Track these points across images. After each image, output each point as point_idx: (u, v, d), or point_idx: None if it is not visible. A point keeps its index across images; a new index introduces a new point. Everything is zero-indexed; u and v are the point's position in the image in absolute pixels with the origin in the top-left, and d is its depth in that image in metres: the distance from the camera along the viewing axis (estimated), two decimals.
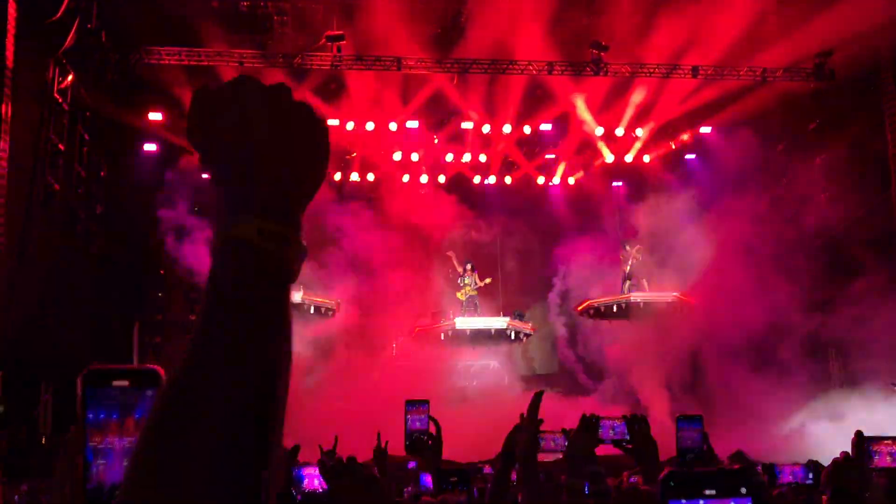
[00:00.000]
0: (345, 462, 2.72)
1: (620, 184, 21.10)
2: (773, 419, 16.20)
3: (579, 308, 19.31)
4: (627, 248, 19.30)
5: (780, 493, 4.46)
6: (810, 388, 16.59)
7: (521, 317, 19.24)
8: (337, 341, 19.23)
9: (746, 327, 17.53)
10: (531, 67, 17.10)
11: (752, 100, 18.00)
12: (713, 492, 2.19)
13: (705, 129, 19.70)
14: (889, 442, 4.32)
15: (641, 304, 18.42)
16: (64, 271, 15.97)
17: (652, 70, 17.32)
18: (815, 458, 6.86)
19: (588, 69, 17.04)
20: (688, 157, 20.53)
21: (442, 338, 18.82)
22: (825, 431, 14.28)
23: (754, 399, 16.81)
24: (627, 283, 19.13)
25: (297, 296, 17.97)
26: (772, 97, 17.97)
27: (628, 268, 19.19)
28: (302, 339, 18.73)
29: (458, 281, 19.58)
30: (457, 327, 18.66)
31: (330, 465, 2.70)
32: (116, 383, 1.83)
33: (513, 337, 19.13)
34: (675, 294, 18.43)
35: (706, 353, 17.98)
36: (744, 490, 2.23)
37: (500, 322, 18.84)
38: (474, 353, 19.84)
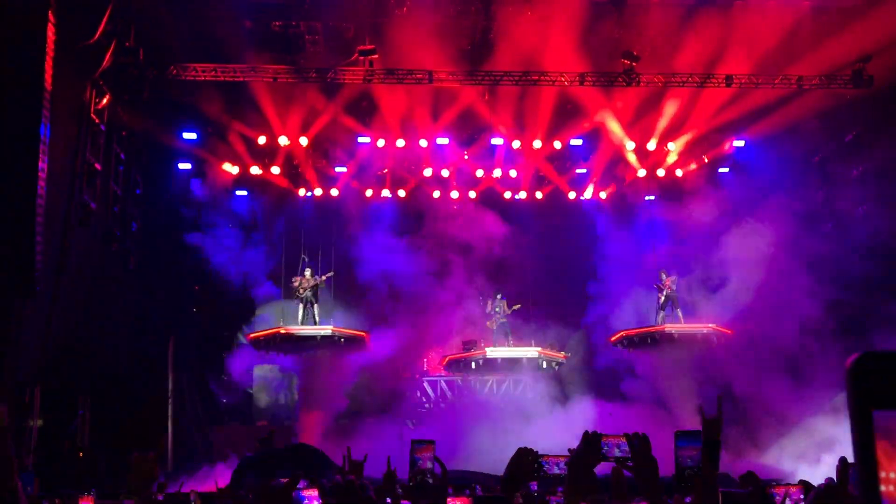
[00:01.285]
0: (343, 485, 2.72)
1: (653, 198, 20.89)
2: (808, 435, 15.85)
3: (613, 339, 18.89)
4: (663, 276, 18.87)
5: None
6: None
7: (553, 346, 18.99)
8: (369, 370, 19.15)
9: (785, 346, 17.25)
10: (562, 79, 17.02)
11: (786, 112, 17.74)
12: None
13: (739, 143, 19.48)
14: None
15: (676, 336, 17.97)
16: (101, 289, 16.27)
17: (685, 79, 17.11)
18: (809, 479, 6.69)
19: (620, 80, 16.92)
20: (721, 170, 20.28)
21: (473, 367, 18.70)
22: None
23: (790, 415, 16.52)
24: (661, 313, 18.69)
25: (327, 329, 18.06)
26: (807, 109, 17.69)
27: (663, 297, 18.76)
28: (336, 370, 18.69)
29: (487, 310, 19.37)
30: (487, 356, 18.49)
31: (329, 486, 2.70)
32: None
33: (544, 366, 18.84)
34: (710, 325, 18.01)
35: (743, 375, 17.60)
36: None
37: (531, 352, 18.63)
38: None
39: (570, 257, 20.98)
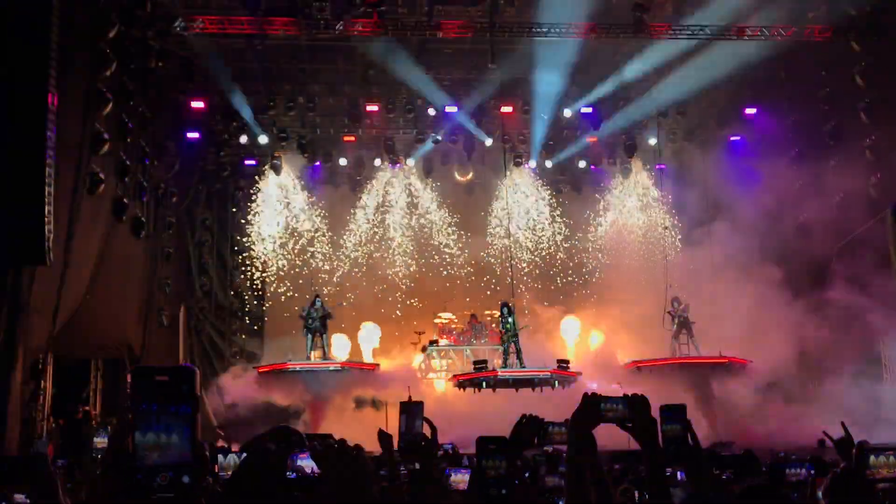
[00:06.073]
0: (335, 444, 2.75)
1: (664, 167, 20.81)
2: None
3: (626, 366, 18.13)
4: (676, 304, 18.27)
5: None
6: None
7: (565, 365, 17.83)
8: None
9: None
10: (572, 29, 16.72)
11: (797, 80, 17.54)
12: None
13: (751, 111, 19.32)
14: (891, 452, 4.18)
15: (691, 368, 17.50)
16: (112, 258, 16.34)
17: (695, 30, 16.76)
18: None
19: (630, 30, 16.55)
20: (733, 138, 20.16)
21: (483, 386, 17.72)
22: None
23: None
24: (675, 342, 18.18)
25: (336, 363, 17.83)
26: (820, 76, 17.50)
27: (676, 324, 18.16)
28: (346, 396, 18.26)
29: (500, 327, 18.46)
30: (499, 377, 17.62)
31: (320, 448, 2.73)
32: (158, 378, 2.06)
33: (556, 385, 17.70)
34: (725, 355, 17.43)
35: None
36: None
37: (543, 372, 17.62)
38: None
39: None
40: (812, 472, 4.60)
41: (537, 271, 21.35)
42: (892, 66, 16.52)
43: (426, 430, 3.20)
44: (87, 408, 15.59)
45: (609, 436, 3.13)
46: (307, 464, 5.02)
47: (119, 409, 12.74)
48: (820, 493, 4.26)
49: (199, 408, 2.07)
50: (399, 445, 3.20)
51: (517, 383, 17.58)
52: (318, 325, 18.16)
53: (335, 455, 2.79)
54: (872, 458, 4.14)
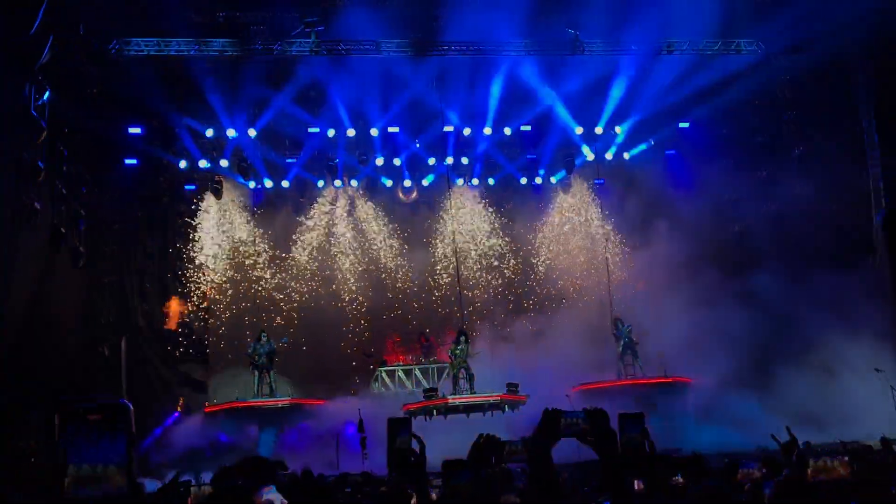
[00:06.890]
0: (299, 477, 2.78)
1: (602, 181, 21.22)
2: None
3: (574, 390, 17.69)
4: (620, 325, 18.69)
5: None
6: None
7: (514, 389, 17.50)
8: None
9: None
10: (509, 49, 17.05)
11: (728, 94, 18.17)
12: None
13: (684, 125, 19.90)
14: (828, 456, 4.44)
15: (638, 390, 17.75)
16: (50, 289, 15.91)
17: (627, 48, 17.37)
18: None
19: (565, 48, 17.04)
20: (668, 152, 20.71)
21: (434, 413, 17.42)
22: None
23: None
24: (621, 364, 18.54)
25: (285, 401, 17.54)
26: (748, 91, 18.16)
27: (621, 346, 18.57)
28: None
29: (449, 352, 18.33)
30: (449, 404, 17.34)
31: (285, 480, 2.75)
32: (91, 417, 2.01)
33: (506, 410, 17.57)
34: (671, 376, 17.87)
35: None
36: None
37: (493, 397, 17.48)
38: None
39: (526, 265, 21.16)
40: (764, 471, 4.77)
41: (490, 287, 21.48)
42: (816, 79, 17.30)
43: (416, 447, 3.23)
44: (33, 444, 15.06)
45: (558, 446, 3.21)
46: (274, 496, 4.99)
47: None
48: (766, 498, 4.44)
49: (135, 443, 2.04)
50: (388, 461, 3.22)
51: (468, 409, 17.43)
52: (264, 360, 17.84)
53: (300, 485, 2.84)
54: (812, 461, 4.34)
